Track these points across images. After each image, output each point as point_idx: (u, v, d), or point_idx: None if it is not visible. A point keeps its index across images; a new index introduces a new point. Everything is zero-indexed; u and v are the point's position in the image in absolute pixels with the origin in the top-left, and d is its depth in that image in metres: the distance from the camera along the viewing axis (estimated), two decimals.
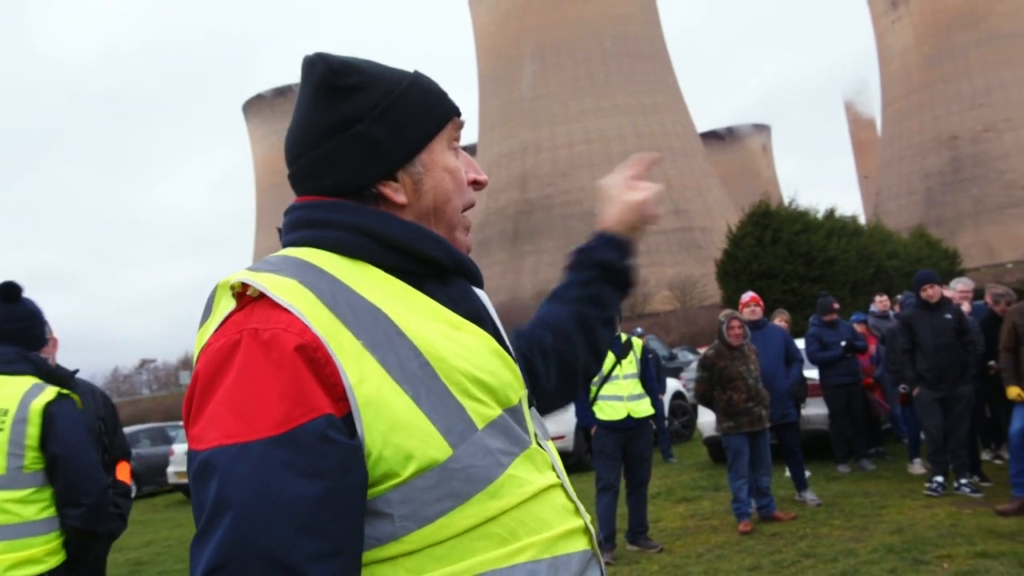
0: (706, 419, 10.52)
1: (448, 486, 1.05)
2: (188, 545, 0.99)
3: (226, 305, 1.10)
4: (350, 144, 1.19)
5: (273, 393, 0.98)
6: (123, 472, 4.40)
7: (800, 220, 22.39)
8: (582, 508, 1.24)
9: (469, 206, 1.31)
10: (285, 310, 1.03)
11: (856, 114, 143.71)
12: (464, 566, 1.05)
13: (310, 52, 1.26)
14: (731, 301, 22.20)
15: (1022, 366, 7.02)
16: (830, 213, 23.73)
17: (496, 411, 1.14)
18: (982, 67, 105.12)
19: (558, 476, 1.23)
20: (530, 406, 1.29)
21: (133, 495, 4.64)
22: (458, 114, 1.30)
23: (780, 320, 9.82)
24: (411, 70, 1.29)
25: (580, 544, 1.20)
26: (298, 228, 1.21)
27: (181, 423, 21.34)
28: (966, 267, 31.61)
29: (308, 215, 1.21)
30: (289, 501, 0.94)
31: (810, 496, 8.08)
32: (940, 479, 7.92)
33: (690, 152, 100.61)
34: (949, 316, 7.91)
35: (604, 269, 1.64)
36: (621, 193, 1.70)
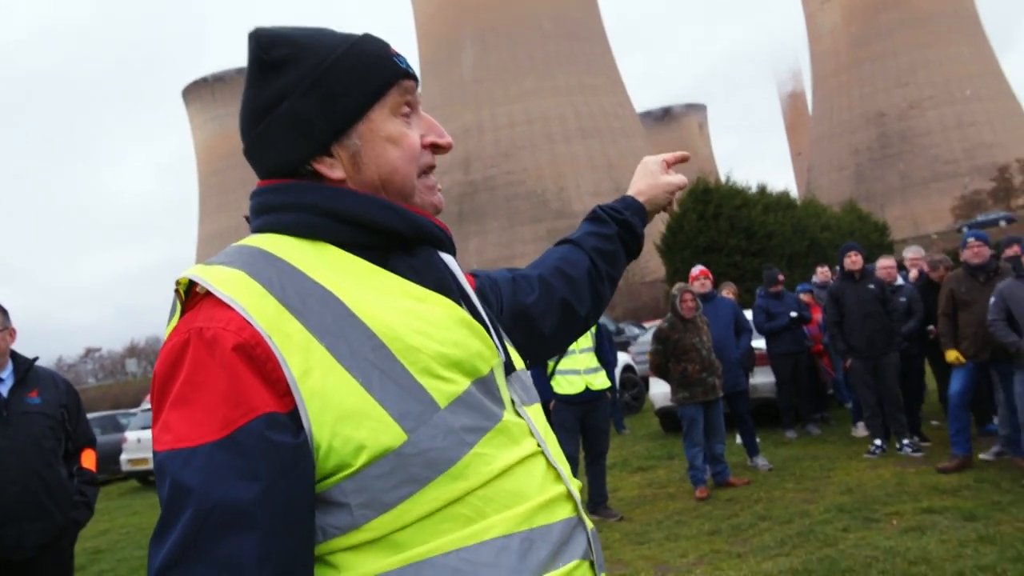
0: (657, 391, 10.65)
1: (405, 472, 1.01)
2: (145, 532, 1.03)
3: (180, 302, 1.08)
4: (280, 122, 1.14)
5: (216, 395, 0.97)
6: (88, 460, 4.29)
7: (739, 196, 22.81)
8: (565, 474, 1.19)
9: (426, 169, 1.23)
10: (228, 306, 1.00)
11: (788, 92, 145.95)
12: (427, 548, 1.02)
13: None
14: (676, 275, 22.53)
15: (959, 331, 7.23)
16: (762, 189, 24.19)
17: (463, 385, 1.10)
18: (907, 46, 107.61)
19: (539, 444, 1.18)
20: (509, 373, 1.23)
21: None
22: (407, 76, 1.21)
23: (728, 292, 9.93)
24: (358, 34, 1.21)
25: (563, 512, 1.16)
26: (260, 214, 1.17)
27: (132, 410, 21.09)
28: (895, 239, 32.36)
29: (266, 200, 1.17)
30: (231, 504, 0.94)
31: (761, 462, 8.23)
32: (879, 442, 8.12)
33: (629, 132, 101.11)
34: (872, 286, 8.10)
35: (626, 229, 1.66)
36: (659, 172, 1.73)
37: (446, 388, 1.07)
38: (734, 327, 8.46)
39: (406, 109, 1.21)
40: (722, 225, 22.03)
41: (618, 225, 1.65)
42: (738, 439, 8.85)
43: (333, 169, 1.16)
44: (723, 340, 8.10)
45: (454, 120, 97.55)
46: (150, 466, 14.90)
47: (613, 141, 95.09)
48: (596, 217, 1.68)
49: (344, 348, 1.02)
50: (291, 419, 0.98)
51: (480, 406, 1.11)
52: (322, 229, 1.12)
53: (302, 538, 0.99)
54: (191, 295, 1.06)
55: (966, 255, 7.34)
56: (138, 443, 15.47)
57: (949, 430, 7.40)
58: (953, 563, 4.76)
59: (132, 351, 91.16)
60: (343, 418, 0.99)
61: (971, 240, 7.36)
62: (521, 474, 1.12)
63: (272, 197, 1.16)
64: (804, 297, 10.56)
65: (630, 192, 1.72)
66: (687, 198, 22.72)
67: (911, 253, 10.10)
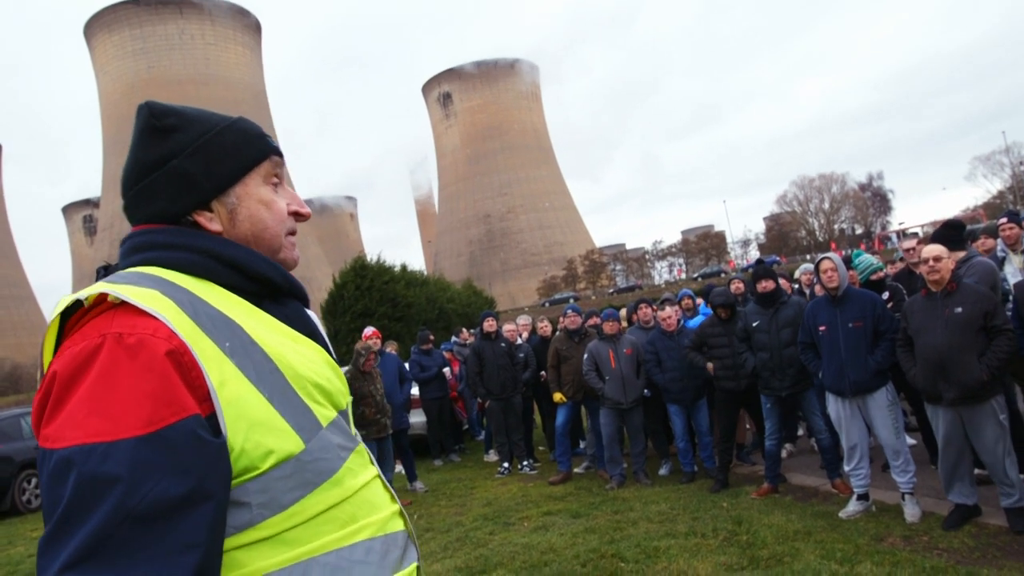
0: None
1: (301, 476, 0.99)
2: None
3: (60, 311, 0.96)
4: (167, 178, 1.09)
5: (140, 394, 0.86)
6: None
7: (387, 273, 23.45)
8: (396, 496, 1.22)
9: (291, 233, 1.21)
10: (150, 316, 0.92)
11: (420, 194, 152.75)
12: (314, 546, 1.00)
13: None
14: (338, 335, 22.43)
15: (563, 378, 8.05)
16: (403, 267, 25.09)
17: (333, 413, 1.09)
18: (506, 167, 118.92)
19: (377, 470, 1.20)
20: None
21: None
22: (277, 154, 1.20)
23: (392, 348, 10.09)
24: (234, 116, 1.20)
25: (400, 525, 1.17)
26: (143, 250, 1.08)
27: None
28: (498, 310, 35.03)
29: (153, 238, 1.08)
30: (157, 498, 0.83)
31: (419, 485, 8.36)
32: (506, 464, 8.71)
33: None
34: (504, 344, 8.76)
35: None
36: None
37: (324, 412, 1.07)
38: (399, 377, 8.62)
39: (275, 180, 1.19)
40: (374, 295, 22.54)
41: None
42: (398, 467, 8.92)
43: (212, 222, 1.11)
44: (391, 388, 8.22)
45: None
46: None
47: None
48: None
49: (250, 367, 0.98)
50: (210, 423, 0.92)
51: (345, 431, 1.12)
52: (209, 270, 1.06)
53: (221, 533, 0.91)
54: (82, 308, 0.96)
55: (565, 322, 8.23)
56: None
57: (555, 452, 8.16)
58: (571, 549, 5.22)
59: None
60: (254, 425, 0.95)
61: (570, 312, 8.29)
62: (374, 489, 1.14)
63: (159, 237, 1.08)
64: (446, 354, 11.06)
65: None
66: (348, 272, 22.92)
67: (522, 320, 11.04)
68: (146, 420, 0.85)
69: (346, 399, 1.16)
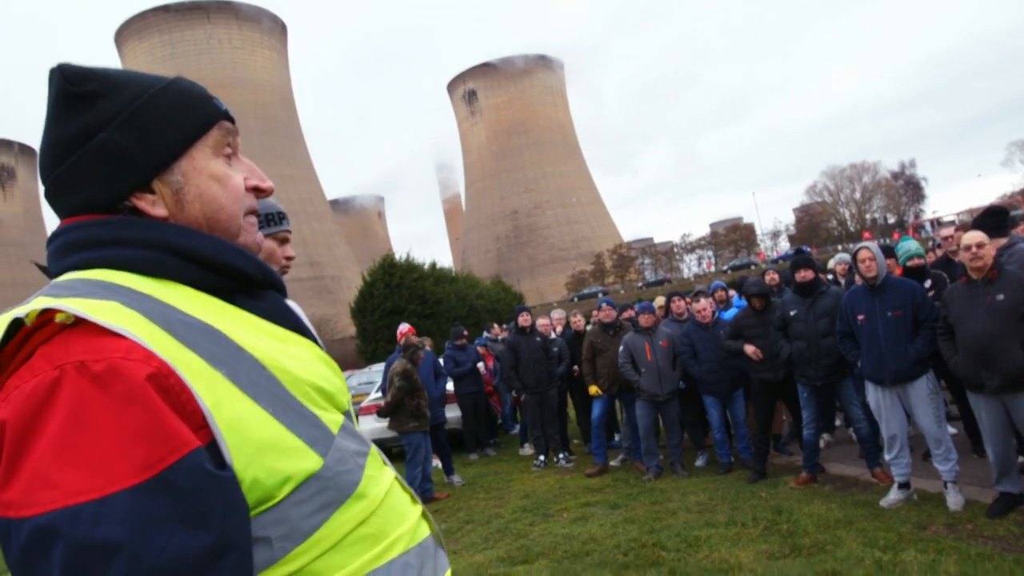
0: (366, 427, 10.48)
1: (323, 496, 0.85)
2: None
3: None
4: (94, 155, 0.88)
5: (125, 434, 0.70)
6: None
7: (416, 270, 23.64)
8: (415, 495, 1.09)
9: (250, 213, 1.01)
10: (116, 335, 0.74)
11: (447, 191, 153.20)
12: (346, 574, 0.87)
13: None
14: (366, 333, 22.70)
15: (598, 371, 8.10)
16: (432, 265, 25.25)
17: (340, 416, 0.95)
18: (532, 163, 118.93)
19: (394, 471, 1.07)
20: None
21: None
22: (227, 118, 0.98)
23: (426, 345, 10.21)
24: (171, 77, 0.98)
25: (426, 529, 1.05)
26: (83, 248, 0.87)
27: None
28: (527, 305, 35.01)
29: (95, 233, 0.87)
30: (174, 556, 0.69)
31: (457, 479, 8.45)
32: (542, 457, 8.77)
33: (321, 215, 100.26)
34: (538, 338, 8.83)
35: None
36: None
37: (332, 417, 0.92)
38: (434, 372, 8.72)
39: (228, 150, 0.98)
40: (403, 293, 22.73)
41: None
42: (436, 462, 9.03)
43: (155, 206, 0.91)
44: (426, 383, 8.32)
45: None
46: None
47: (307, 223, 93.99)
48: None
49: (244, 378, 0.82)
50: (211, 454, 0.76)
51: (355, 434, 0.98)
52: (168, 267, 0.88)
53: None
54: (20, 334, 0.76)
55: (600, 316, 8.25)
56: None
57: (592, 444, 8.20)
58: (611, 539, 5.28)
59: None
60: (263, 449, 0.80)
61: (604, 305, 8.31)
62: (396, 495, 1.01)
63: (102, 231, 0.88)
64: (481, 349, 11.14)
65: None
66: (377, 270, 23.16)
67: (556, 315, 11.09)
68: (140, 465, 0.69)
69: (348, 398, 1.02)
